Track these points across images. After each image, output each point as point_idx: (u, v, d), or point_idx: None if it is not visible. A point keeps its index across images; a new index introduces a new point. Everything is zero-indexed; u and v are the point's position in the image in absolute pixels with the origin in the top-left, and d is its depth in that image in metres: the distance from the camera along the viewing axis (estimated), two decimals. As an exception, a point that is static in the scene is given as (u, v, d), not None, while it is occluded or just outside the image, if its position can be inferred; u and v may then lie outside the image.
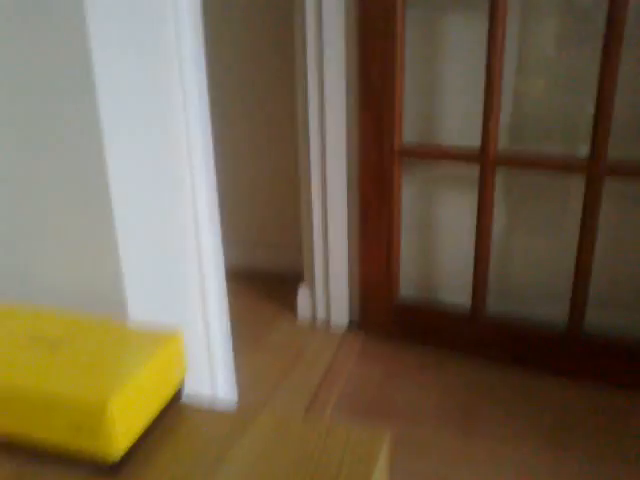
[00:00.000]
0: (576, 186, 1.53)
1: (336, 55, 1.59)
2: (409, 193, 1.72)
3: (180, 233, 0.80)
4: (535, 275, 1.72)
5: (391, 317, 1.78)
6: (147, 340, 0.54)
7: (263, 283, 2.16)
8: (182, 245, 0.81)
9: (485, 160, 1.52)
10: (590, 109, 1.44)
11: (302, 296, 1.91)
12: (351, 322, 1.87)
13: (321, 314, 1.89)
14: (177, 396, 0.55)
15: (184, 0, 0.74)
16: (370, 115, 1.59)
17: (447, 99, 1.65)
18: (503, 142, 1.55)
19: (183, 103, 0.79)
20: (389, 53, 1.51)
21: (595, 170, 1.42)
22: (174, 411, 0.54)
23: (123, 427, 0.46)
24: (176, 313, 0.79)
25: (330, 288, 1.84)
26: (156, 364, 0.51)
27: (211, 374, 0.84)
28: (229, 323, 0.97)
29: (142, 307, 0.68)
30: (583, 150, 1.51)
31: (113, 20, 0.63)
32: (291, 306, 1.95)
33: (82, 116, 0.61)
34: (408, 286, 1.81)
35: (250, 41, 2.00)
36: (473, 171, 1.57)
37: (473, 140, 1.53)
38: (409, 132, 1.64)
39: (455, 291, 1.77)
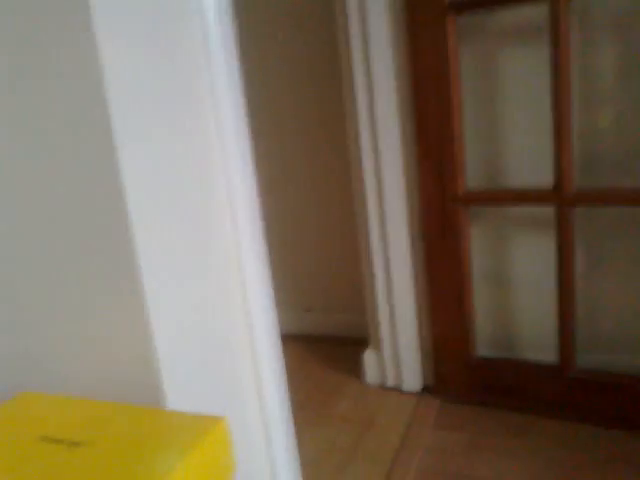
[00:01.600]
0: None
1: (388, 99, 1.50)
2: (478, 242, 1.59)
3: (225, 298, 0.70)
4: (626, 321, 1.53)
5: (468, 378, 1.62)
6: (185, 432, 0.43)
7: (324, 348, 2.04)
8: (228, 312, 0.71)
9: (561, 199, 1.38)
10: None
11: (369, 360, 1.77)
12: (424, 387, 1.71)
13: (391, 379, 1.74)
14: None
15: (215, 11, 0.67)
16: (429, 162, 1.49)
17: (509, 139, 1.53)
18: (577, 180, 1.42)
19: (224, 168, 0.71)
20: (444, 93, 1.42)
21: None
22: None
23: None
24: (223, 397, 0.68)
25: (399, 350, 1.70)
26: (196, 459, 0.40)
27: (270, 461, 0.72)
28: (288, 401, 0.85)
29: (181, 392, 0.57)
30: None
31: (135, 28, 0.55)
32: (357, 373, 1.82)
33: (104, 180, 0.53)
34: (484, 344, 1.65)
35: (296, 90, 1.96)
36: (544, 213, 1.43)
37: (540, 180, 1.40)
38: (473, 177, 1.53)
39: (536, 346, 1.60)
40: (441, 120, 1.44)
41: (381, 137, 1.53)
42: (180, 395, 0.56)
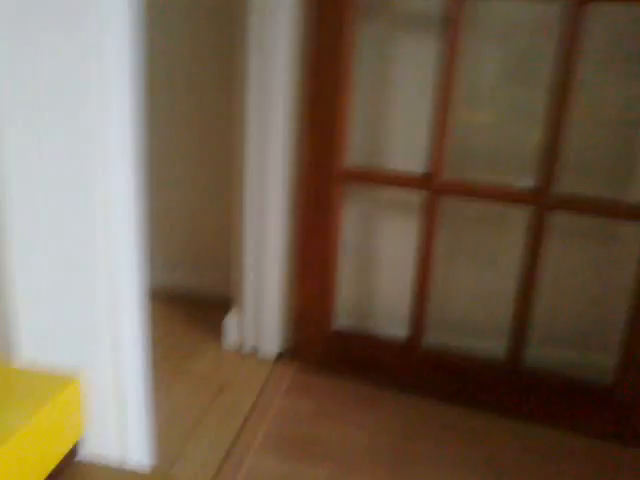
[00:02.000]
0: (520, 218, 1.48)
1: (281, 68, 1.50)
2: (351, 219, 1.64)
3: (87, 249, 0.67)
4: (476, 308, 1.66)
5: (324, 348, 1.67)
6: (36, 387, 0.41)
7: (188, 307, 2.01)
8: (90, 264, 0.68)
9: (430, 187, 1.45)
10: (535, 142, 1.41)
11: (230, 323, 1.78)
12: (282, 353, 1.75)
13: (250, 343, 1.76)
14: (74, 453, 0.43)
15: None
16: (314, 135, 1.50)
17: (393, 123, 1.59)
18: (448, 171, 1.50)
19: (101, 104, 0.67)
20: (336, 70, 1.43)
21: (541, 203, 1.38)
22: (71, 470, 0.42)
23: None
24: (80, 353, 0.65)
25: (261, 314, 1.72)
26: (46, 416, 0.39)
27: (120, 424, 0.70)
28: (147, 361, 0.84)
29: (36, 345, 0.54)
30: (526, 183, 1.47)
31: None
32: (218, 334, 1.82)
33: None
34: (345, 316, 1.71)
35: (189, 41, 1.89)
36: (416, 199, 1.50)
37: (418, 167, 1.47)
38: (354, 156, 1.56)
39: (394, 322, 1.68)
40: (330, 97, 1.45)
41: (269, 106, 1.52)
42: (35, 345, 0.53)
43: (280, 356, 1.75)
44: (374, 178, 1.57)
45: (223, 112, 1.85)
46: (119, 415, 0.69)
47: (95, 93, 0.66)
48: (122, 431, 0.69)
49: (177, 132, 1.97)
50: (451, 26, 1.33)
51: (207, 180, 1.99)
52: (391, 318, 1.71)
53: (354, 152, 1.56)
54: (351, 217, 1.64)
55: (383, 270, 1.71)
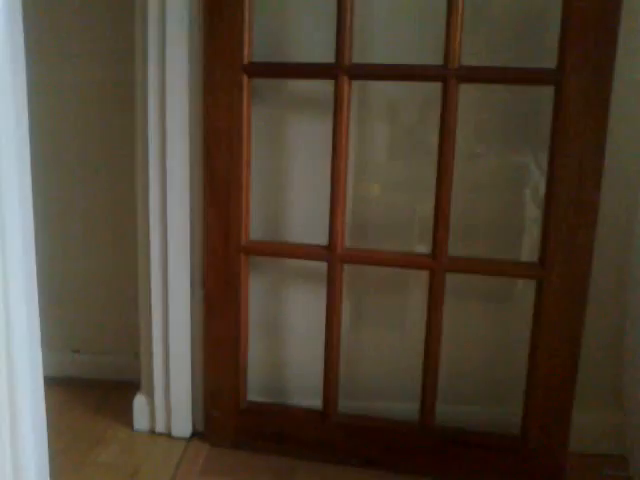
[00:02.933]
0: (421, 282, 1.56)
1: (180, 148, 1.54)
2: (257, 292, 1.66)
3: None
4: (386, 371, 1.70)
5: (238, 424, 1.65)
6: None
7: (92, 393, 1.93)
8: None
9: (332, 256, 1.51)
10: (425, 210, 1.51)
11: (139, 406, 1.73)
12: (195, 432, 1.71)
13: (160, 425, 1.71)
14: None
15: None
16: (215, 211, 1.53)
17: (293, 197, 1.65)
18: (349, 241, 1.56)
19: None
20: (234, 148, 1.49)
21: (437, 265, 1.46)
22: None
23: None
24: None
25: (170, 395, 1.68)
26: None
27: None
28: (46, 439, 0.81)
29: None
30: (423, 249, 1.56)
31: None
32: (126, 419, 1.75)
33: None
34: (257, 391, 1.70)
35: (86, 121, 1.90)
36: (320, 269, 1.55)
37: (319, 238, 1.53)
38: (257, 230, 1.60)
39: (306, 393, 1.69)
40: (230, 173, 1.50)
41: (170, 183, 1.55)
42: None
43: (193, 435, 1.71)
44: (278, 251, 1.61)
45: (123, 189, 1.85)
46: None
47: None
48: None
49: (79, 203, 1.95)
50: (339, 106, 1.42)
51: (110, 255, 1.96)
52: (304, 389, 1.72)
53: (257, 227, 1.60)
54: (258, 290, 1.66)
55: (293, 341, 1.73)
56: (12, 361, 0.72)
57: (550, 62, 1.36)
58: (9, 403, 0.71)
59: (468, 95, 1.43)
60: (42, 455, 0.79)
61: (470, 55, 1.39)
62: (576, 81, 1.33)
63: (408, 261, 1.54)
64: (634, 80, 1.45)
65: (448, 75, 1.37)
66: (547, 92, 1.38)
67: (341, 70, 1.41)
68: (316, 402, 1.61)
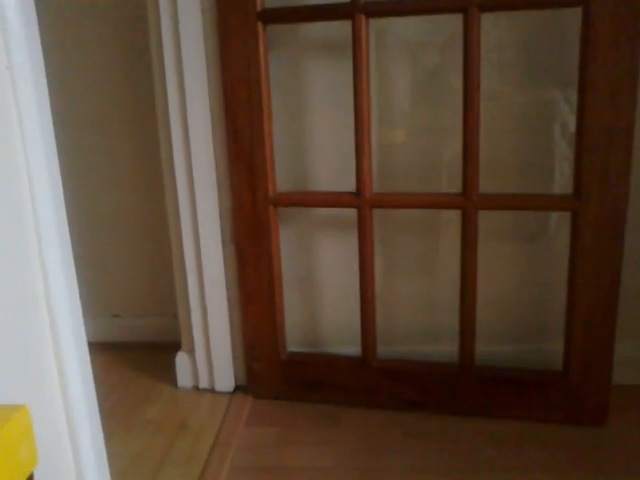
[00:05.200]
0: (453, 223, 1.53)
1: (200, 102, 1.52)
2: (288, 243, 1.65)
3: (26, 302, 0.67)
4: (423, 315, 1.70)
5: (279, 375, 1.67)
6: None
7: (135, 355, 1.98)
8: (30, 318, 0.67)
9: (361, 202, 1.49)
10: (452, 153, 1.49)
11: (181, 363, 1.76)
12: (237, 386, 1.74)
13: (203, 381, 1.74)
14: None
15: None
16: (241, 166, 1.52)
17: (318, 145, 1.62)
18: (377, 186, 1.54)
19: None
20: (254, 98, 1.46)
21: (469, 203, 1.43)
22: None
23: None
24: (27, 391, 0.65)
25: (212, 352, 1.71)
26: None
27: (76, 463, 0.69)
28: (96, 402, 0.83)
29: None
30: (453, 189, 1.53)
31: None
32: (169, 377, 1.79)
33: None
34: (295, 341, 1.72)
35: (108, 96, 1.89)
36: (350, 216, 1.53)
37: (346, 187, 1.51)
38: (284, 180, 1.59)
39: (344, 341, 1.70)
40: (252, 125, 1.48)
41: (193, 140, 1.53)
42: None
43: (236, 389, 1.74)
44: (305, 201, 1.59)
45: (148, 151, 1.85)
46: (74, 453, 0.68)
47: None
48: (78, 469, 0.68)
49: (107, 168, 1.96)
50: (357, 47, 1.38)
51: (140, 218, 1.97)
52: (342, 337, 1.73)
53: (284, 178, 1.58)
54: (289, 241, 1.66)
55: (327, 290, 1.73)
56: (56, 330, 0.73)
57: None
58: (58, 372, 0.72)
59: (490, 35, 1.38)
60: (94, 417, 0.81)
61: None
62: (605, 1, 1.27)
63: (439, 201, 1.51)
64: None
65: (469, 4, 1.31)
66: (571, 24, 1.32)
67: (357, 9, 1.36)
68: (355, 350, 1.62)
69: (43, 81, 0.70)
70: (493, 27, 1.41)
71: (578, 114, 1.36)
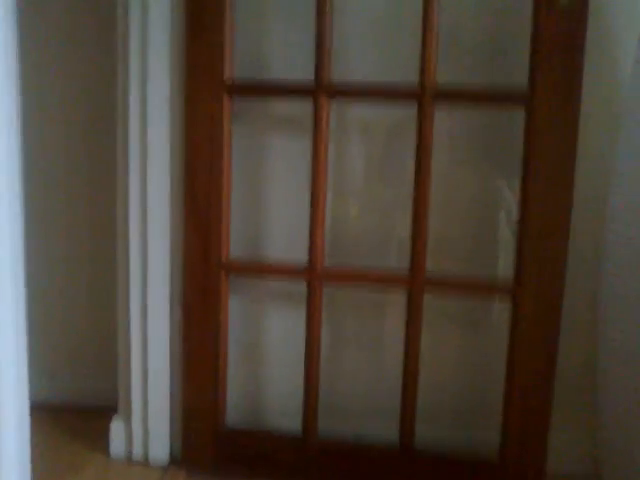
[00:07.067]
0: (399, 302, 1.56)
1: (160, 163, 1.56)
2: (236, 311, 1.65)
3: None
4: (362, 394, 1.69)
5: (216, 449, 1.62)
6: None
7: (68, 419, 1.89)
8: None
9: (312, 275, 1.51)
10: (401, 230, 1.56)
11: (116, 432, 1.69)
12: (172, 459, 1.67)
13: (138, 451, 1.67)
14: None
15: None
16: (196, 228, 1.54)
17: (274, 216, 1.67)
18: (328, 261, 1.57)
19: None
20: (215, 166, 1.51)
21: (415, 283, 1.47)
22: None
23: None
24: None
25: (149, 420, 1.65)
26: None
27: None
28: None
29: None
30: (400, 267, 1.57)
31: None
32: (102, 445, 1.71)
33: None
34: (236, 414, 1.68)
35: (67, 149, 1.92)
36: (300, 288, 1.55)
37: (299, 254, 1.54)
38: (237, 249, 1.61)
39: (286, 415, 1.67)
40: (210, 189, 1.52)
41: (150, 198, 1.56)
42: None
43: (171, 462, 1.67)
44: (258, 269, 1.61)
45: (103, 204, 1.86)
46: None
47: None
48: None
49: (58, 224, 1.95)
50: (318, 125, 1.46)
51: (88, 272, 1.95)
52: (284, 412, 1.69)
53: (237, 243, 1.61)
54: (237, 309, 1.66)
55: (272, 362, 1.72)
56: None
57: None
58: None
59: (443, 123, 1.47)
60: None
61: (444, 75, 1.44)
62: (546, 102, 1.38)
63: (386, 279, 1.55)
64: (601, 99, 1.51)
65: (424, 93, 1.41)
66: (520, 118, 1.43)
67: (319, 89, 1.45)
68: (296, 422, 1.59)
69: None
70: (447, 115, 1.50)
71: (520, 204, 1.44)
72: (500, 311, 1.64)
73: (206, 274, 1.55)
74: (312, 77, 1.46)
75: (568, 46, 1.37)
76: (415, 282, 1.47)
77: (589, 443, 1.60)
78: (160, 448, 1.66)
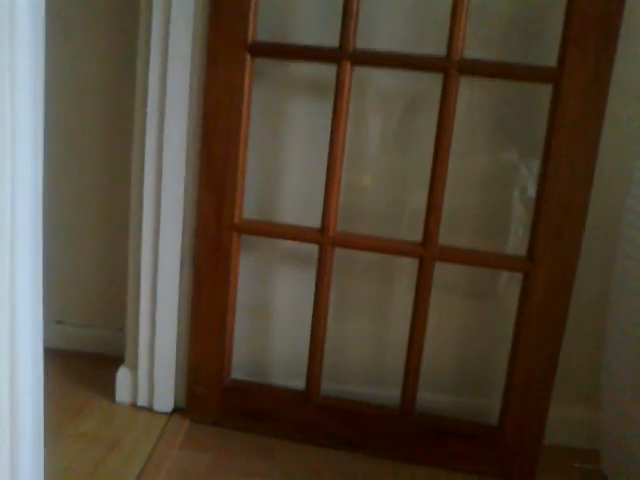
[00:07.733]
0: (409, 270, 1.57)
1: (178, 122, 1.54)
2: (247, 272, 1.66)
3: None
4: (365, 356, 1.72)
5: (221, 400, 1.66)
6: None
7: (75, 365, 1.93)
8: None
9: (325, 239, 1.52)
10: (415, 202, 1.55)
11: (122, 378, 1.73)
12: (177, 408, 1.72)
13: (142, 399, 1.72)
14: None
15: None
16: (210, 189, 1.53)
17: (289, 180, 1.66)
18: (341, 226, 1.57)
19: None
20: (233, 126, 1.49)
21: (427, 254, 1.48)
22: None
23: None
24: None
25: (155, 370, 1.69)
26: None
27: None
28: (42, 413, 0.82)
29: None
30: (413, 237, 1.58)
31: None
32: (108, 391, 1.75)
33: None
34: (240, 369, 1.72)
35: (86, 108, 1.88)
36: (311, 252, 1.56)
37: (311, 222, 1.54)
38: (250, 208, 1.60)
39: (290, 374, 1.71)
40: (227, 152, 1.50)
41: (167, 156, 1.54)
42: None
43: (175, 411, 1.72)
44: (270, 231, 1.61)
45: (120, 165, 1.84)
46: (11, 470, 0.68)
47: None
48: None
49: (72, 180, 1.93)
50: (339, 92, 1.43)
51: (100, 229, 1.95)
52: (288, 369, 1.73)
53: (251, 206, 1.60)
54: (248, 268, 1.67)
55: (279, 322, 1.74)
56: (14, 332, 0.72)
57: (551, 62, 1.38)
58: (10, 375, 0.71)
59: (464, 96, 1.45)
60: (38, 425, 0.80)
61: (471, 50, 1.41)
62: (574, 82, 1.35)
63: (399, 248, 1.55)
64: (629, 83, 1.48)
65: (450, 66, 1.38)
66: (542, 97, 1.40)
67: (344, 55, 1.41)
68: (299, 383, 1.63)
69: (41, 87, 0.71)
70: (468, 89, 1.48)
71: (539, 182, 1.43)
72: (506, 283, 1.66)
73: (218, 233, 1.55)
74: (336, 45, 1.42)
75: (602, 24, 1.33)
76: (427, 252, 1.48)
77: (588, 419, 1.66)
78: (165, 397, 1.70)
